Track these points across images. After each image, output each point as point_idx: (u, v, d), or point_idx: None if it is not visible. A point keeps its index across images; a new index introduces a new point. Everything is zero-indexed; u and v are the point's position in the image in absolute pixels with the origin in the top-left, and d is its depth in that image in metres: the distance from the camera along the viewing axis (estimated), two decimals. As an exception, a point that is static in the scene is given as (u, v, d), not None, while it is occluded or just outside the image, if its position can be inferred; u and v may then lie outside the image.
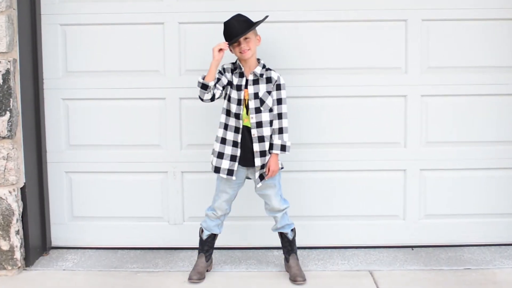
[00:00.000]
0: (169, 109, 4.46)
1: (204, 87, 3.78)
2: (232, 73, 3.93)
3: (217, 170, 3.93)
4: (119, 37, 4.42)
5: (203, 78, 3.78)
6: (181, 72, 4.45)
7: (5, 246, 4.18)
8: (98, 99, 4.45)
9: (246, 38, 3.81)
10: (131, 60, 4.42)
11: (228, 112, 3.94)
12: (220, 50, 3.77)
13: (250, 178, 4.05)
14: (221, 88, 3.87)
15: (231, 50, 3.90)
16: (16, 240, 4.20)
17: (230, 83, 3.93)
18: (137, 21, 4.40)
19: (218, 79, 3.86)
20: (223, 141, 3.93)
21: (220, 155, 3.91)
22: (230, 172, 3.91)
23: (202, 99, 3.83)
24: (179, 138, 4.49)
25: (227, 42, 3.80)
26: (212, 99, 3.84)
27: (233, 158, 3.91)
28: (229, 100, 3.92)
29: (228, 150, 3.91)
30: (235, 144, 3.91)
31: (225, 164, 3.92)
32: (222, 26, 3.89)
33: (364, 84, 4.42)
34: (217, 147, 3.93)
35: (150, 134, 4.47)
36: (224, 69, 3.95)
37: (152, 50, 4.42)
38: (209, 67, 3.78)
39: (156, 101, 4.47)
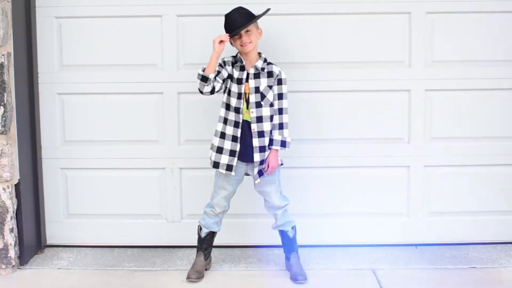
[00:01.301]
0: (167, 104, 4.41)
1: (204, 79, 3.74)
2: (232, 66, 3.89)
3: (216, 165, 3.89)
4: (115, 30, 4.36)
5: (203, 70, 3.74)
6: (179, 66, 4.40)
7: (-2, 244, 4.11)
8: (94, 94, 4.40)
9: (247, 31, 3.78)
10: (128, 53, 4.37)
11: (227, 106, 3.89)
12: (221, 42, 3.73)
13: (249, 175, 4.00)
14: (221, 81, 3.83)
15: (231, 43, 3.86)
16: (10, 238, 4.13)
17: (230, 76, 3.88)
18: (135, 13, 4.35)
19: (218, 72, 3.82)
20: (223, 135, 3.88)
21: (219, 150, 3.86)
22: (229, 168, 3.86)
23: (201, 92, 3.79)
24: (177, 134, 4.44)
25: (228, 34, 3.77)
26: (212, 92, 3.81)
27: (232, 153, 3.86)
28: (229, 94, 3.87)
29: (228, 145, 3.87)
30: (234, 139, 3.86)
31: (224, 159, 3.87)
32: (221, 20, 3.85)
33: (367, 78, 4.36)
34: (216, 141, 3.88)
35: (148, 130, 4.42)
36: (224, 62, 3.90)
37: (150, 43, 4.37)
38: (208, 61, 3.75)
39: (153, 96, 4.42)
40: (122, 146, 4.43)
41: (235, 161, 3.89)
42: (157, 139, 4.47)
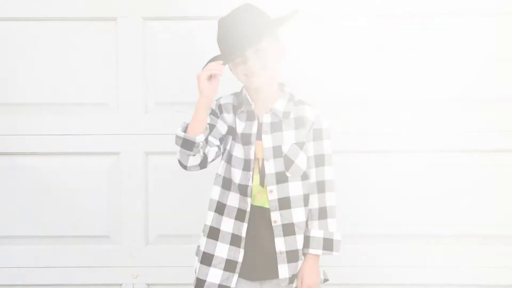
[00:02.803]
0: (127, 173, 3.27)
1: (187, 145, 2.72)
2: (234, 112, 2.88)
3: (199, 285, 2.82)
4: (38, 43, 3.19)
5: (185, 130, 2.72)
6: (147, 107, 3.28)
7: None
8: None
9: (257, 50, 2.79)
10: (56, 86, 3.22)
11: (226, 183, 2.84)
12: (211, 77, 2.70)
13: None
14: (217, 143, 2.77)
15: (231, 70, 2.85)
16: None
17: (231, 130, 2.85)
18: (63, 14, 3.19)
19: (212, 127, 2.78)
20: (214, 234, 2.84)
21: (207, 259, 2.80)
22: (222, 291, 2.91)
23: (184, 166, 2.78)
24: (144, 226, 3.26)
25: (221, 62, 2.73)
26: (203, 164, 2.79)
27: (229, 265, 2.82)
28: (228, 161, 2.83)
29: (222, 250, 2.83)
30: (235, 240, 2.82)
31: (215, 275, 2.80)
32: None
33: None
34: (203, 243, 2.82)
35: (92, 221, 3.28)
36: (220, 106, 2.88)
37: (95, 68, 3.25)
38: (196, 100, 2.68)
39: (102, 159, 3.27)
40: (57, 245, 3.26)
41: (234, 279, 2.81)
42: (107, 235, 3.27)
